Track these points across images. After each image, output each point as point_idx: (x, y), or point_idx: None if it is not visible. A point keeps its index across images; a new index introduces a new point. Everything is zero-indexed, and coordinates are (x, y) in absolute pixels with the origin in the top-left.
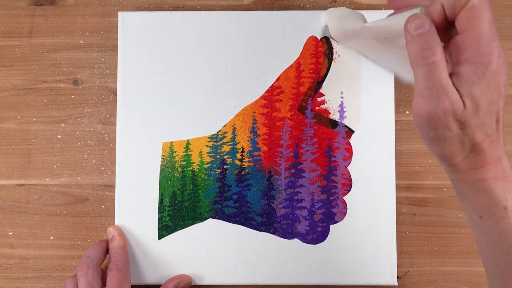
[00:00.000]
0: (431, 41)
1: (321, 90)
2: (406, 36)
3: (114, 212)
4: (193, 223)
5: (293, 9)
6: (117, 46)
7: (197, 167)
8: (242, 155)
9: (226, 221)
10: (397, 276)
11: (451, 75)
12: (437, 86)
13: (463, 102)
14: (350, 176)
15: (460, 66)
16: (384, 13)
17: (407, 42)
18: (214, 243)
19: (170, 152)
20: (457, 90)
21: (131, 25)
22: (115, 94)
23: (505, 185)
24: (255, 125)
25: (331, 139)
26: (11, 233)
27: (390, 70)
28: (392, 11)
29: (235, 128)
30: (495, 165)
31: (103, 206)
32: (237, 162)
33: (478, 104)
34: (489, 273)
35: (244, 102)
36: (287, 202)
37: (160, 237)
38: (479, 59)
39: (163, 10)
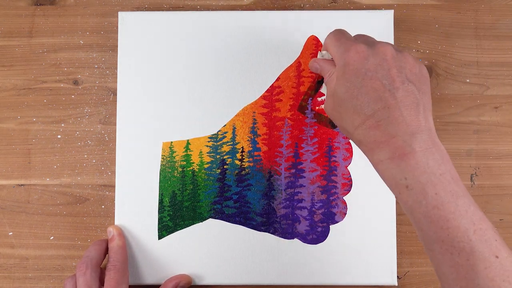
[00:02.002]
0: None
1: (322, 90)
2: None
3: (114, 212)
4: (193, 223)
5: (293, 9)
6: (117, 46)
7: (197, 167)
8: (242, 155)
9: (226, 221)
10: (397, 276)
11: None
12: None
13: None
14: (350, 176)
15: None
16: (384, 13)
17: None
18: (214, 243)
19: (170, 152)
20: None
21: (131, 25)
22: (115, 94)
23: (402, 163)
24: (255, 125)
25: (331, 139)
26: (11, 233)
27: None
28: (392, 11)
29: (235, 128)
30: (389, 144)
31: (103, 206)
32: (237, 162)
33: (339, 94)
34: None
35: (244, 102)
36: (287, 202)
37: (160, 237)
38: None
39: (163, 10)
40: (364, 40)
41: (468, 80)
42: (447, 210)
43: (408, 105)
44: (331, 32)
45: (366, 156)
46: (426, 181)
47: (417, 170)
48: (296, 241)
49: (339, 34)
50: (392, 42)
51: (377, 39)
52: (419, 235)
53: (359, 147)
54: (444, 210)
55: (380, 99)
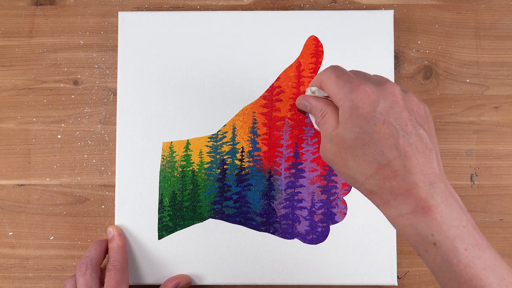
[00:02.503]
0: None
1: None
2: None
3: (114, 212)
4: (193, 223)
5: (293, 9)
6: (117, 46)
7: (197, 167)
8: (242, 155)
9: (226, 221)
10: (397, 276)
11: None
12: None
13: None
14: None
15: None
16: (384, 13)
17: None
18: (214, 243)
19: (170, 152)
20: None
21: (131, 25)
22: (115, 94)
23: (427, 218)
24: (255, 125)
25: None
26: (11, 233)
27: None
28: (392, 11)
29: (235, 128)
30: (409, 196)
31: (103, 206)
32: (237, 162)
33: (344, 139)
34: None
35: (244, 102)
36: (287, 202)
37: (160, 237)
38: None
39: (163, 10)
40: (366, 77)
41: (468, 80)
42: (478, 267)
43: (422, 152)
44: (327, 69)
45: (380, 208)
46: (454, 236)
47: (444, 225)
48: (296, 241)
49: (339, 72)
50: (392, 42)
51: (377, 39)
52: None
53: (369, 198)
54: (475, 268)
55: (396, 147)
